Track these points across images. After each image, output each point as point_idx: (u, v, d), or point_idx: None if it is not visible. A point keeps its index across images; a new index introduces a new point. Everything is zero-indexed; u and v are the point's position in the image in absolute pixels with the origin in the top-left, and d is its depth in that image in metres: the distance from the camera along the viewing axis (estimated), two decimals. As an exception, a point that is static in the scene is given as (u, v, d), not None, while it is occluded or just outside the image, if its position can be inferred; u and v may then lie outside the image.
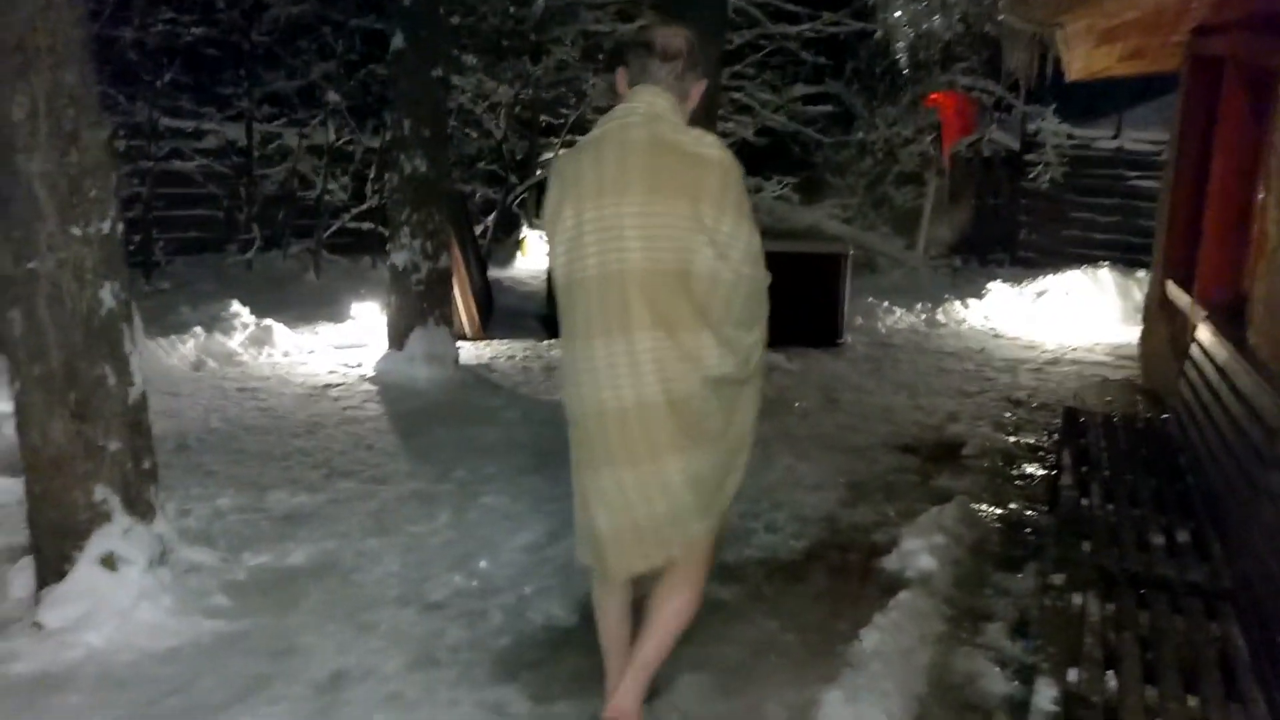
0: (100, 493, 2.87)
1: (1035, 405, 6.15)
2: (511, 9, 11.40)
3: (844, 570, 3.54)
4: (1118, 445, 3.91)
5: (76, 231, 2.75)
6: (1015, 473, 4.74)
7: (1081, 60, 6.19)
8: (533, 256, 13.54)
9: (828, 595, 3.32)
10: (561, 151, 2.18)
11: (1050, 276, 10.71)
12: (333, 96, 11.06)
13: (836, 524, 3.99)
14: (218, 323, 6.93)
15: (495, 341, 7.53)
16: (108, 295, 2.85)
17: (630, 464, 2.20)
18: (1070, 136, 14.44)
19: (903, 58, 13.38)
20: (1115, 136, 15.77)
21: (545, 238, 2.41)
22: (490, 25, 11.73)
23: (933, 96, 13.92)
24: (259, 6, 11.40)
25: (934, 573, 3.39)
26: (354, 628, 2.96)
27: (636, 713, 2.33)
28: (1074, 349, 8.42)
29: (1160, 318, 6.41)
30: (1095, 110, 18.32)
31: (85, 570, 2.84)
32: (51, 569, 2.86)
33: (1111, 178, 15.40)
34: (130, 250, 9.85)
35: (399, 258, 6.04)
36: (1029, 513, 4.16)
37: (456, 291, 7.04)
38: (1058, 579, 3.19)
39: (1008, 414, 5.89)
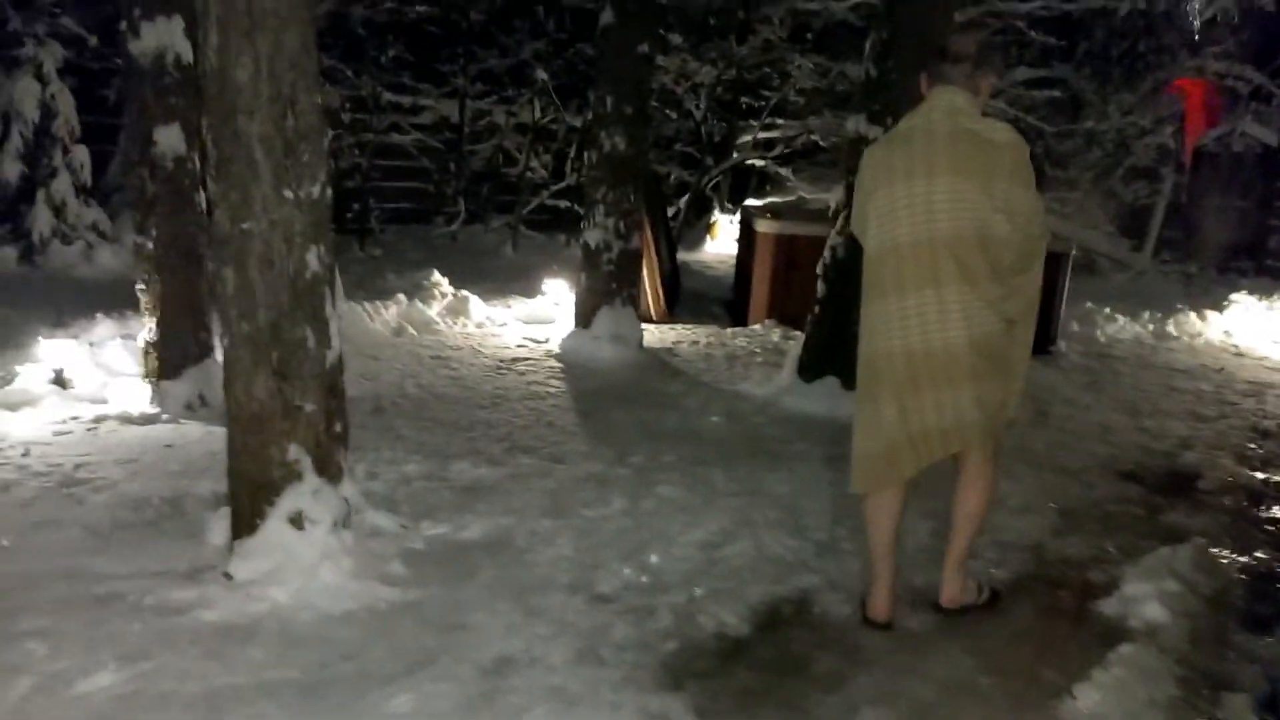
0: (294, 452, 2.94)
1: (1287, 438, 5.39)
2: (721, -13, 11.20)
3: (1053, 609, 3.16)
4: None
5: (288, 194, 2.80)
6: (1260, 515, 4.12)
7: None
8: (722, 240, 13.36)
9: (1033, 636, 2.97)
10: (871, 145, 2.66)
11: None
12: (541, 75, 11.26)
13: (1044, 555, 3.59)
14: (419, 291, 7.18)
15: (680, 326, 7.41)
16: (313, 259, 2.90)
17: (924, 391, 2.73)
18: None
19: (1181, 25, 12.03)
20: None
21: (855, 217, 2.94)
22: (699, 3, 11.59)
23: (1177, 83, 12.61)
24: (478, -16, 11.77)
25: (1164, 625, 2.96)
26: (522, 610, 2.90)
27: (959, 600, 3.01)
28: (1337, 375, 7.36)
29: None
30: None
31: (275, 526, 2.92)
32: (245, 522, 2.96)
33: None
34: (348, 217, 10.47)
35: (592, 236, 6.01)
36: (1281, 565, 3.60)
37: (645, 273, 6.97)
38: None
39: (1253, 445, 5.18)
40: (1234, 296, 9.47)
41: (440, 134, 12.17)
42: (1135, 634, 2.92)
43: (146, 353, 4.61)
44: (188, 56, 4.28)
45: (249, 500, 2.96)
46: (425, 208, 12.16)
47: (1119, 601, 3.14)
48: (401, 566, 3.10)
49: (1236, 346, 8.22)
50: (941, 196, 2.65)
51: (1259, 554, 3.68)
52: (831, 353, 5.19)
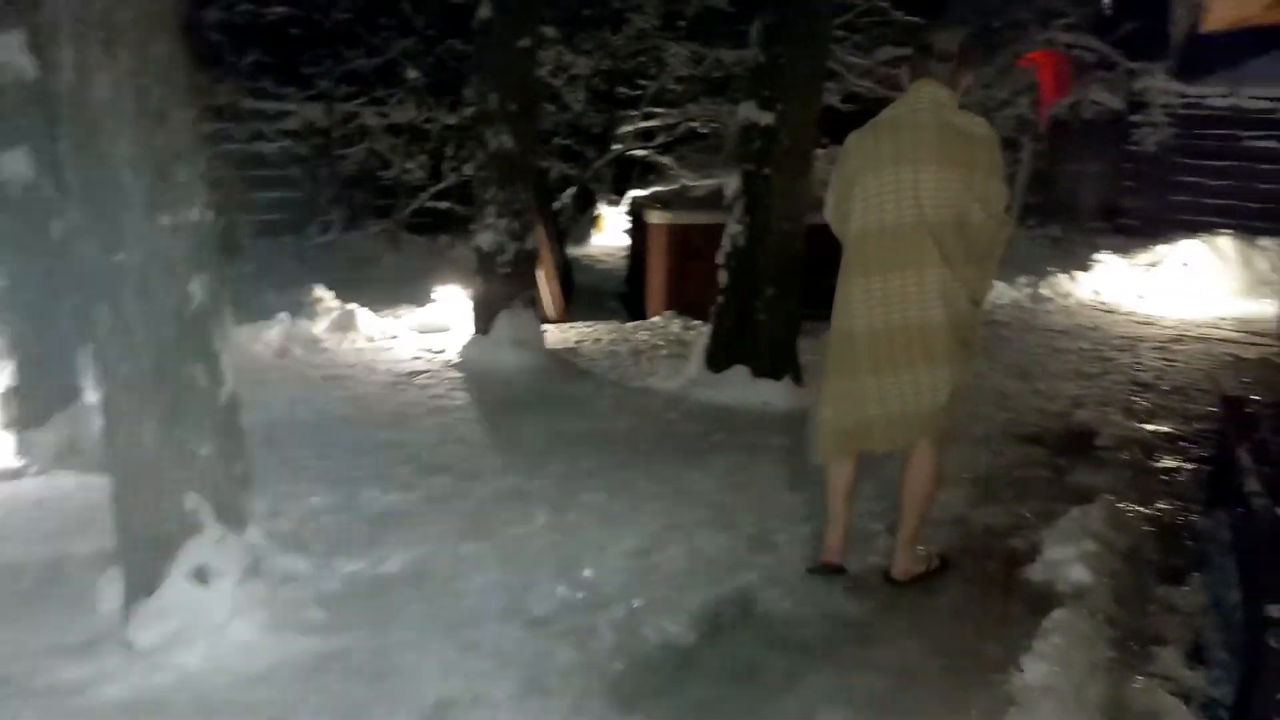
0: (192, 501, 2.70)
1: (1166, 389, 5.67)
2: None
3: (984, 581, 3.20)
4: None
5: (165, 220, 2.56)
6: (1158, 467, 4.32)
7: (1233, 6, 5.61)
8: (609, 233, 13.29)
9: (970, 611, 3.00)
10: (852, 133, 2.74)
11: (1163, 246, 10.04)
12: (412, 74, 10.90)
13: (967, 526, 3.65)
14: (302, 307, 6.83)
15: (579, 324, 7.30)
16: (198, 289, 2.66)
17: (899, 369, 2.90)
18: (1180, 95, 13.50)
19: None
20: (1229, 94, 14.74)
21: (830, 198, 3.06)
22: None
23: (1029, 56, 13.18)
24: (341, -17, 11.30)
25: (1089, 586, 3.04)
26: (457, 646, 2.75)
27: (911, 571, 3.13)
28: (1197, 325, 7.83)
29: (1307, 292, 5.84)
30: (1205, 67, 17.19)
31: (176, 584, 2.68)
32: (141, 582, 2.71)
33: (1225, 139, 14.41)
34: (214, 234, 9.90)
35: (484, 239, 5.83)
36: (1184, 515, 3.75)
37: (541, 273, 6.82)
38: (1233, 595, 2.84)
39: (1137, 399, 5.44)
40: (1098, 256, 9.97)
41: (308, 140, 11.66)
42: (1064, 598, 2.98)
43: (6, 400, 4.21)
44: (31, 74, 3.89)
45: (144, 558, 2.71)
46: (297, 217, 11.63)
47: (1044, 567, 3.21)
48: (320, 612, 2.90)
49: (1105, 304, 8.65)
50: (928, 184, 2.82)
51: (1161, 505, 3.85)
52: (739, 342, 5.18)
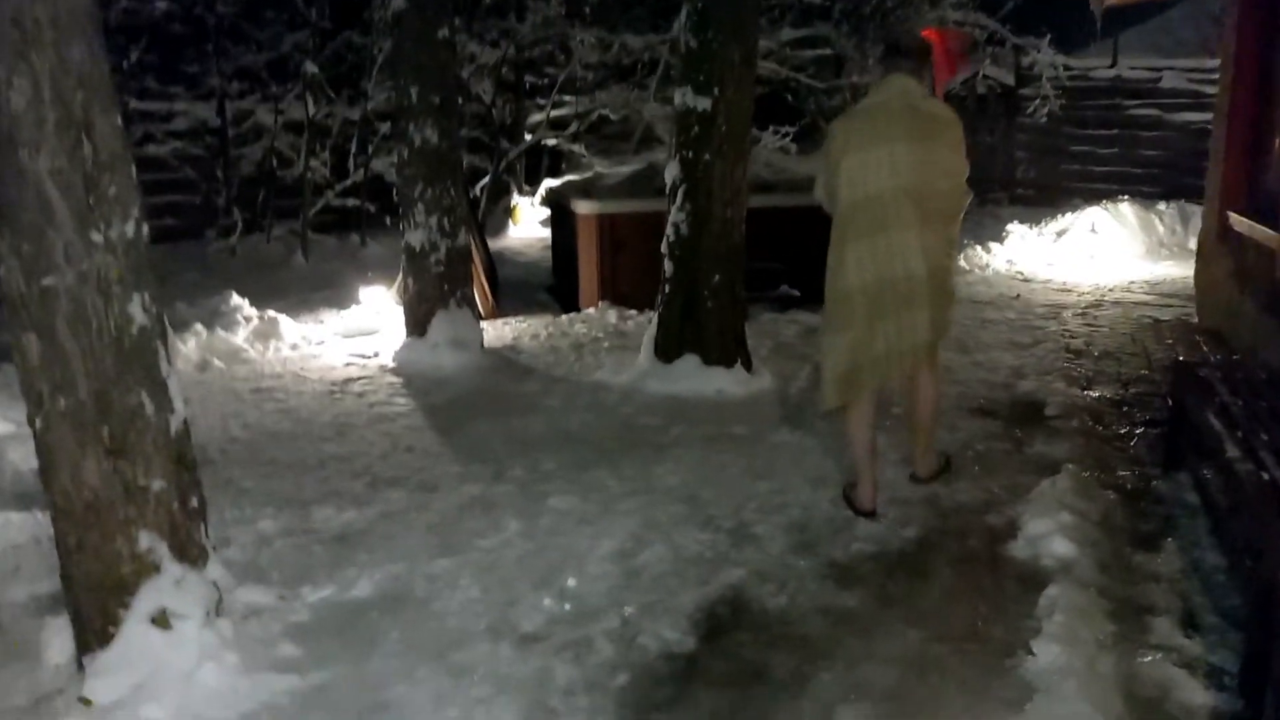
0: (145, 540, 2.47)
1: (1098, 355, 5.83)
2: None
3: (970, 561, 3.20)
4: (1257, 402, 3.56)
5: (97, 237, 2.31)
6: (1109, 433, 4.41)
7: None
8: (525, 224, 13.04)
9: (965, 593, 2.99)
10: (838, 118, 3.63)
11: (1070, 215, 10.38)
12: (309, 68, 10.44)
13: (940, 505, 3.65)
14: (218, 318, 6.47)
15: (512, 319, 7.11)
16: (138, 310, 2.43)
17: (889, 315, 3.39)
18: (1066, 68, 13.99)
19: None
20: (1112, 65, 15.36)
21: (820, 175, 3.56)
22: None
23: (922, 34, 13.46)
24: (224, -23, 10.74)
25: (1074, 559, 3.06)
26: (447, 672, 2.60)
27: (933, 469, 3.84)
28: (1110, 289, 8.11)
29: (1220, 252, 6.08)
30: (1084, 39, 17.89)
31: (135, 631, 2.45)
32: (94, 631, 2.47)
33: (1109, 108, 15.02)
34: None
35: (415, 237, 5.59)
36: (1143, 480, 3.84)
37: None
38: (1210, 558, 2.89)
39: (1073, 366, 5.56)
40: (1010, 227, 10.24)
41: (201, 140, 11.08)
42: (1053, 573, 3.00)
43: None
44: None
45: (96, 605, 2.47)
46: (194, 222, 11.07)
47: (1026, 543, 3.23)
48: (293, 647, 2.71)
49: (1021, 273, 8.88)
50: (904, 159, 3.33)
51: (1121, 472, 3.92)
52: (688, 330, 5.10)
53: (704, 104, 4.83)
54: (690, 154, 4.93)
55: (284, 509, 3.69)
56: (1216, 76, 15.19)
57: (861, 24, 14.32)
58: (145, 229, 2.48)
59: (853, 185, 3.37)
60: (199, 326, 6.15)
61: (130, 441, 2.43)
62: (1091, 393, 5.00)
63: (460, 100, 11.85)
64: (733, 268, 5.08)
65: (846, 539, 3.35)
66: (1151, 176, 14.11)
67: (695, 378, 5.03)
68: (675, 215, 5.04)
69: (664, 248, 5.13)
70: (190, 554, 2.58)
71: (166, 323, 2.56)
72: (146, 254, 2.50)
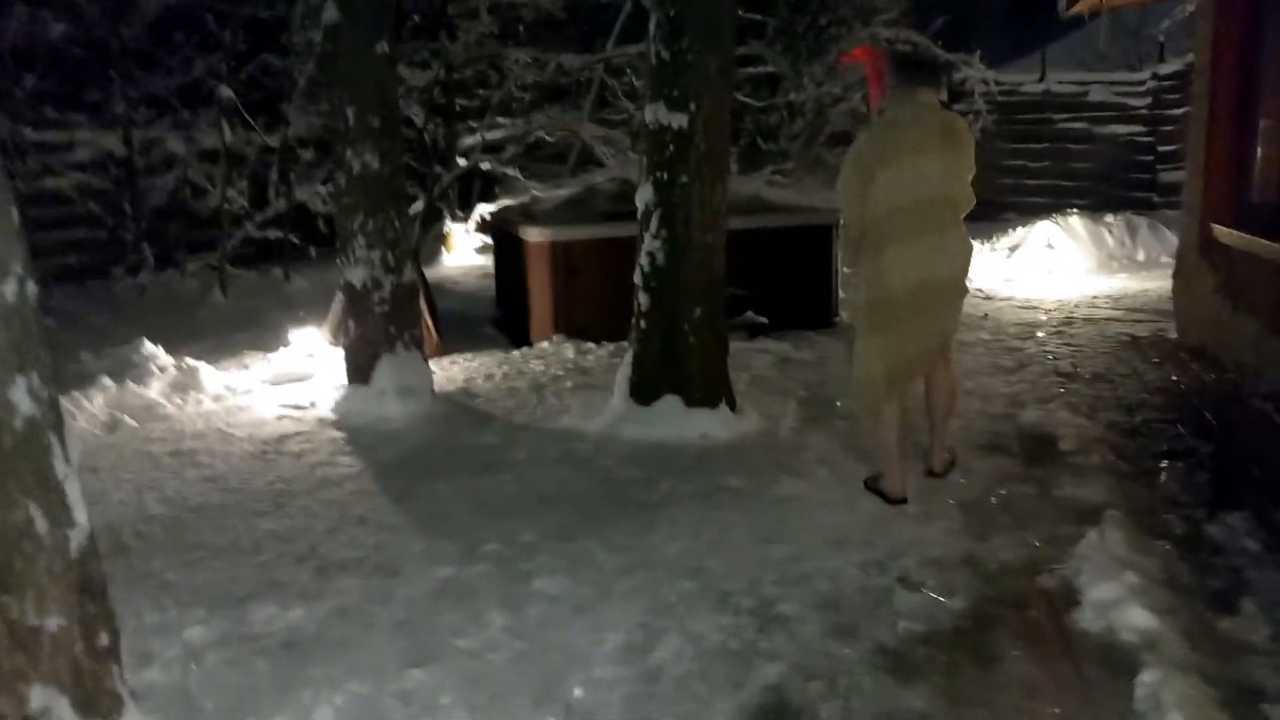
0: (40, 697, 1.88)
1: (1089, 377, 5.54)
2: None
3: (1038, 640, 2.78)
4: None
5: (-40, 305, 1.74)
6: (1134, 469, 4.07)
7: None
8: (460, 252, 12.44)
9: (1046, 685, 2.55)
10: (861, 130, 3.82)
11: (1021, 229, 10.26)
12: (225, 92, 9.72)
13: (983, 566, 3.23)
14: (129, 369, 5.76)
15: (460, 357, 6.53)
16: (22, 395, 1.85)
17: (927, 313, 3.65)
18: (997, 82, 14.04)
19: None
20: (1041, 79, 15.51)
21: (853, 184, 3.64)
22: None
23: (855, 51, 13.33)
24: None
25: (1156, 631, 2.66)
26: (443, 835, 2.05)
27: (946, 462, 4.04)
28: (1075, 305, 7.92)
29: (1203, 267, 5.88)
30: (1009, 54, 18.09)
31: (28, 820, 1.85)
32: (-27, 823, 1.86)
33: (1040, 121, 15.16)
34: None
35: (355, 274, 5.01)
36: (1192, 524, 3.48)
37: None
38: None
39: (1068, 392, 5.25)
40: (963, 243, 10.03)
41: (106, 171, 10.23)
42: (1138, 651, 2.59)
43: None
44: None
45: (-28, 789, 1.86)
46: (100, 259, 10.19)
47: (1094, 613, 2.83)
48: (240, 811, 2.13)
49: (981, 291, 8.63)
50: (934, 167, 3.56)
51: (1164, 516, 3.57)
52: (666, 369, 4.62)
53: (679, 121, 4.39)
54: (665, 176, 4.48)
55: (216, 609, 3.08)
56: (1141, 89, 15.36)
57: (795, 42, 14.18)
58: (31, 288, 1.91)
59: (891, 194, 3.53)
60: (106, 380, 5.45)
61: (16, 571, 1.84)
62: (1099, 422, 4.67)
63: (390, 123, 11.26)
64: (714, 300, 4.64)
65: (888, 616, 2.91)
66: (1082, 189, 14.23)
67: (677, 421, 4.56)
68: (649, 244, 4.57)
69: (637, 279, 4.66)
70: (101, 706, 1.99)
71: (61, 409, 1.98)
72: (35, 321, 1.92)
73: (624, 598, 3.07)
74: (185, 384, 5.73)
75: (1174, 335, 6.42)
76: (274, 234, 10.87)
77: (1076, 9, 6.83)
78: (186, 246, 10.25)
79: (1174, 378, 5.45)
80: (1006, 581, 3.12)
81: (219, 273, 9.91)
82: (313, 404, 5.43)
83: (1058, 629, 2.80)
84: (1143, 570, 2.99)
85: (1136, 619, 2.72)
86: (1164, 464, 4.08)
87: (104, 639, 2.02)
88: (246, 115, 10.48)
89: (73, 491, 1.95)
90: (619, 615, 2.95)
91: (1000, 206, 12.96)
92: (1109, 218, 10.43)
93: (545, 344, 6.58)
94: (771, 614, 2.94)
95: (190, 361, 5.94)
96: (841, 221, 3.93)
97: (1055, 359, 6.02)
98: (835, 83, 14.16)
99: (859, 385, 3.79)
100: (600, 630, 2.87)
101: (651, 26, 4.48)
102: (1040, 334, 6.82)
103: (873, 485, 3.85)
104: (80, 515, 1.96)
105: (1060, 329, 6.96)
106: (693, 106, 4.37)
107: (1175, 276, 6.44)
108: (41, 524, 1.87)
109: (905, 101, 3.61)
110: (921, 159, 3.53)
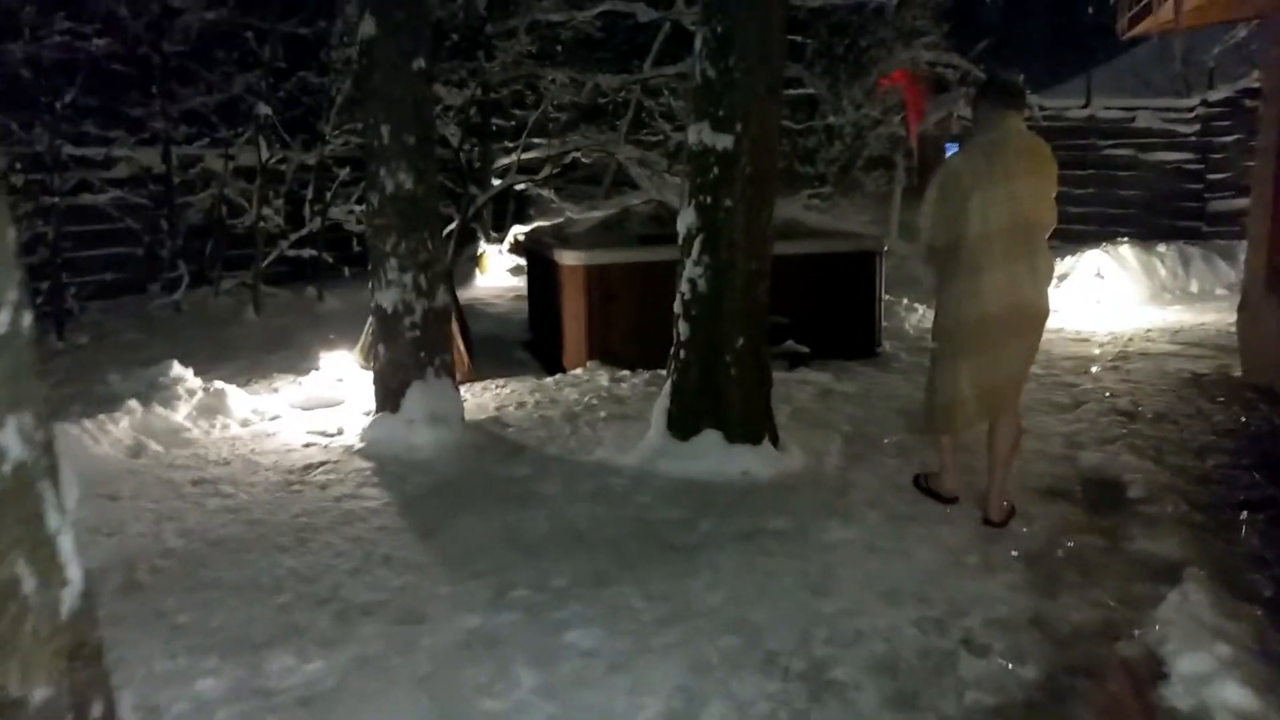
0: (22, 776, 1.69)
1: (1151, 417, 5.24)
2: (456, -1, 10.14)
3: (1121, 719, 2.52)
4: None
5: (-56, 341, 1.57)
6: (1210, 520, 3.78)
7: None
8: (494, 273, 12.33)
9: (1133, 771, 2.30)
10: (950, 155, 3.80)
11: (1070, 258, 9.93)
12: (262, 109, 9.69)
13: (1053, 629, 2.97)
14: (157, 391, 5.65)
15: (492, 383, 6.36)
16: (13, 439, 1.67)
17: (1013, 339, 3.67)
18: (1041, 107, 13.77)
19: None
20: (1085, 105, 15.18)
21: (945, 207, 3.67)
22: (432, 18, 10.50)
23: (895, 74, 13.14)
24: (169, 14, 9.96)
25: (1260, 715, 2.39)
26: None
27: (1005, 512, 3.83)
28: (1129, 338, 7.60)
29: (1271, 301, 5.57)
30: (1050, 78, 17.76)
31: None
32: None
33: (1084, 148, 14.82)
34: (37, 300, 8.40)
35: (386, 298, 4.86)
36: (1277, 586, 3.20)
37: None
38: None
39: (1130, 433, 4.95)
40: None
41: (144, 188, 10.24)
42: (1238, 736, 2.33)
43: None
44: None
45: None
46: (136, 276, 10.20)
47: (1184, 688, 2.54)
48: None
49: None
50: (1025, 192, 3.59)
51: (1249, 575, 3.28)
52: (707, 401, 4.41)
53: (724, 142, 4.20)
54: (709, 199, 4.28)
55: (230, 657, 2.90)
56: (1189, 115, 14.95)
57: (834, 65, 14.00)
58: (27, 318, 1.74)
59: (985, 219, 3.58)
60: (133, 402, 5.33)
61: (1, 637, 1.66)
62: (1166, 467, 4.38)
63: (426, 143, 11.20)
64: (757, 329, 4.43)
65: (953, 684, 2.66)
66: (1129, 217, 13.87)
67: (717, 457, 4.34)
68: (691, 270, 4.37)
69: (677, 306, 4.46)
70: (92, 782, 1.80)
71: (57, 452, 1.80)
72: (29, 354, 1.75)
73: (662, 654, 2.84)
74: (213, 408, 5.60)
75: (1239, 373, 6.10)
76: (308, 253, 10.84)
77: (1138, 30, 6.57)
78: (222, 264, 10.23)
79: (1243, 419, 5.14)
80: (1082, 647, 2.86)
81: (252, 290, 9.88)
82: (340, 431, 5.28)
83: (1144, 707, 2.53)
84: (1234, 639, 2.71)
85: (1231, 696, 2.44)
86: (1243, 515, 3.79)
87: (97, 709, 1.83)
88: (283, 133, 10.47)
89: (66, 545, 1.76)
90: (658, 675, 2.73)
91: (1046, 233, 12.64)
92: (1161, 247, 10.09)
93: (579, 371, 6.39)
94: (824, 680, 2.70)
95: (218, 384, 5.82)
96: (925, 243, 3.81)
97: (1113, 396, 5.73)
98: (874, 106, 13.97)
99: (944, 408, 3.78)
100: (637, 694, 2.65)
101: (697, 43, 4.30)
102: (1095, 369, 6.52)
103: (924, 484, 4.01)
104: (74, 572, 1.78)
105: (1116, 363, 6.66)
106: (739, 127, 4.18)
107: (1239, 311, 6.13)
108: (29, 583, 1.69)
109: (995, 125, 3.64)
110: (1014, 183, 3.57)
